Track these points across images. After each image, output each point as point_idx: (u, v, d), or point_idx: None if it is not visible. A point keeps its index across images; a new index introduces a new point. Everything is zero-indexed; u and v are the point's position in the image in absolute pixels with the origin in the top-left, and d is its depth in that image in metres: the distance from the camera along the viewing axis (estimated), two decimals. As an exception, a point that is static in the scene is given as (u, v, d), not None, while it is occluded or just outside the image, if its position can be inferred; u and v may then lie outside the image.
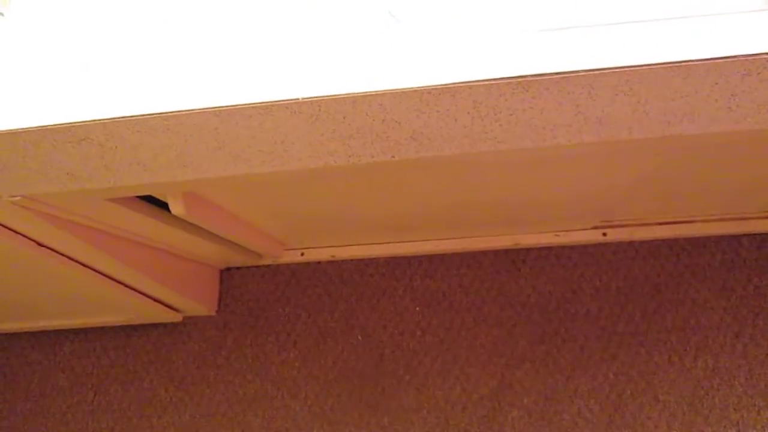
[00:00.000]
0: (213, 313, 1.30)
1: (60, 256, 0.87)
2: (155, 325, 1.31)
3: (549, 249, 1.25)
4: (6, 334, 1.36)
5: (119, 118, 0.53)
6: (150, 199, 0.89)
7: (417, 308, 1.25)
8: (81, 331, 1.33)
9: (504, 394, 1.17)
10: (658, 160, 0.81)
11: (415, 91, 0.51)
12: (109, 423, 1.27)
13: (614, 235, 1.22)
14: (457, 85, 0.51)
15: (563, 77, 0.51)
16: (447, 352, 1.21)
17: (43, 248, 0.84)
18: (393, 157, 0.60)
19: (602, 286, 1.21)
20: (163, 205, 0.87)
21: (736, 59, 0.51)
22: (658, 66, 0.51)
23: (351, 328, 1.25)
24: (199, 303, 1.22)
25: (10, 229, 0.76)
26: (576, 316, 1.20)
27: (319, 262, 1.31)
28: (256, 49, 0.54)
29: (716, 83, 0.53)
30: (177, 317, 1.26)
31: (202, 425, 1.24)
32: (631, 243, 1.23)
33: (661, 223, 1.21)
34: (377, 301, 1.26)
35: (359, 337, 1.24)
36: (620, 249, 1.23)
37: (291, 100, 0.52)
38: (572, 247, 1.24)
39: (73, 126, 0.54)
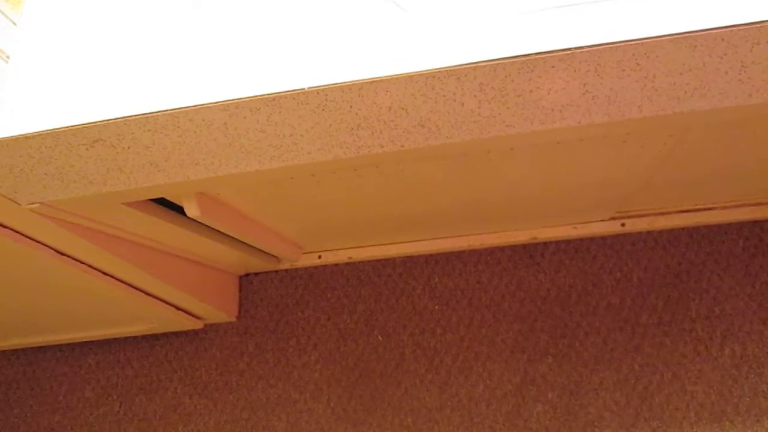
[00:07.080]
0: (233, 320, 1.31)
1: (80, 265, 0.88)
2: (177, 334, 1.32)
3: (567, 242, 1.24)
4: (32, 348, 1.38)
5: (130, 116, 0.54)
6: (167, 206, 0.90)
7: (436, 306, 1.24)
8: (104, 342, 1.35)
9: (528, 389, 1.15)
10: (672, 142, 0.80)
11: (421, 74, 0.52)
12: (136, 433, 1.28)
13: (633, 226, 1.21)
14: (462, 66, 0.51)
15: (568, 54, 0.50)
16: (468, 349, 1.20)
17: (63, 257, 0.85)
18: (402, 146, 0.60)
19: (623, 278, 1.20)
20: (180, 210, 0.88)
21: (744, 28, 0.50)
22: (664, 38, 0.50)
23: (371, 329, 1.25)
24: (219, 309, 1.23)
25: (30, 237, 0.77)
26: (597, 309, 1.18)
27: (336, 265, 1.31)
28: (261, 40, 0.55)
29: (725, 54, 0.52)
30: (198, 324, 1.27)
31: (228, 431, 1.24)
32: (650, 233, 1.22)
33: (680, 212, 1.20)
34: (396, 300, 1.26)
35: (379, 338, 1.24)
36: (640, 239, 1.21)
37: (297, 90, 0.52)
38: (591, 239, 1.23)
39: (86, 127, 0.55)
